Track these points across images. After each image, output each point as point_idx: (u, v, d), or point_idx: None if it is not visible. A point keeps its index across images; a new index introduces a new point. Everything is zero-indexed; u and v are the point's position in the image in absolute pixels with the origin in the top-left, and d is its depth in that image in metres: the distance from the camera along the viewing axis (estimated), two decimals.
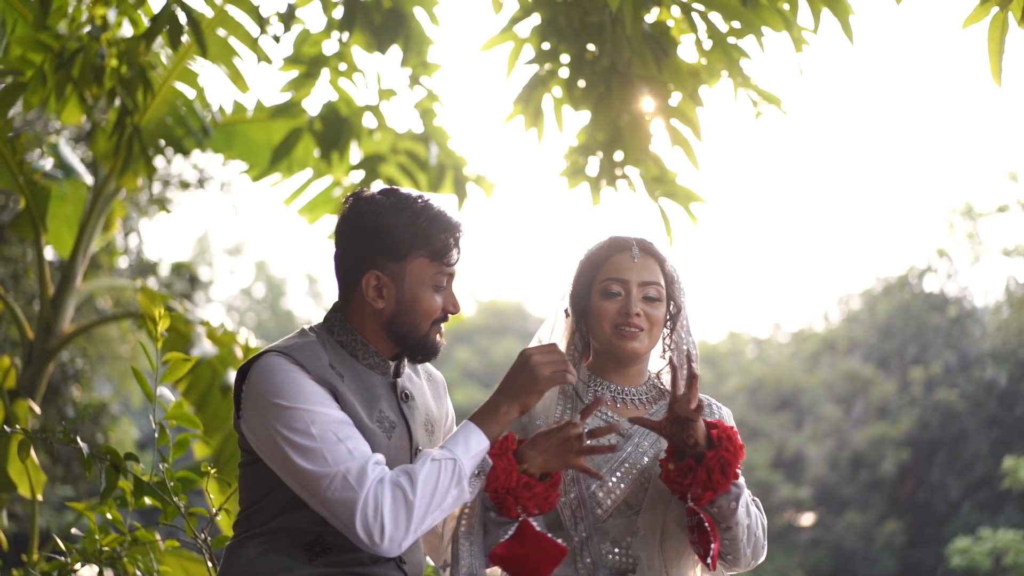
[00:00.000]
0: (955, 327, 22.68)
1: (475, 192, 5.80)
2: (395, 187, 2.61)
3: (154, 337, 3.30)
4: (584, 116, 4.87)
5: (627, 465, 2.78)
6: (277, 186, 6.43)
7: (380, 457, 2.49)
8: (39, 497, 4.73)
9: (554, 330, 3.01)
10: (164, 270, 11.67)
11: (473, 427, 2.55)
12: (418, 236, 2.55)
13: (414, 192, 2.58)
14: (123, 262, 11.73)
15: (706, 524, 2.62)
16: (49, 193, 5.53)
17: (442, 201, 2.59)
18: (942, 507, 21.26)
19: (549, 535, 2.61)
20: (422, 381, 2.78)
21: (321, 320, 2.67)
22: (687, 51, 4.57)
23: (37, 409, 5.11)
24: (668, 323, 2.95)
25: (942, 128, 45.71)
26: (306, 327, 2.63)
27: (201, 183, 11.08)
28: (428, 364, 2.82)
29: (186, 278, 10.69)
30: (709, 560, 2.62)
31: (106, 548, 3.51)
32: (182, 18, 4.54)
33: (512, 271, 52.46)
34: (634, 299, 2.85)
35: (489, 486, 2.59)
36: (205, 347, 5.48)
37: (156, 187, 11.03)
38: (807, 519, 22.78)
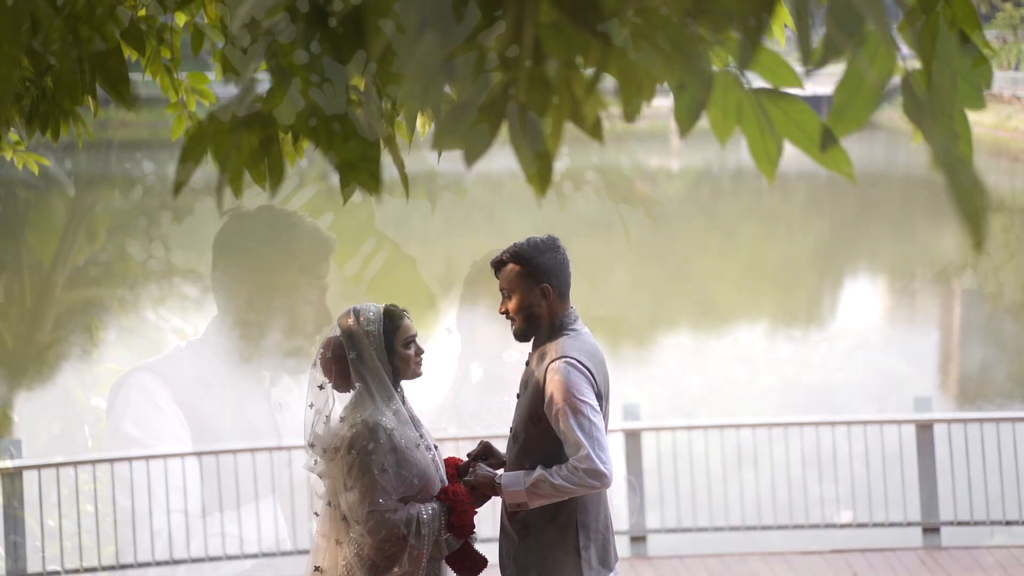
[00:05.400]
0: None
1: (449, 198, 5.85)
2: (270, 204, 2.68)
3: None
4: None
5: None
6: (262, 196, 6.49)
7: None
8: None
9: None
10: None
11: None
12: (293, 251, 2.61)
13: (288, 208, 2.65)
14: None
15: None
16: (31, 205, 5.62)
17: (315, 219, 2.66)
18: None
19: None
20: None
21: (202, 334, 2.74)
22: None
23: (16, 420, 5.22)
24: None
25: None
26: (182, 343, 2.71)
27: None
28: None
29: None
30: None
31: None
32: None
33: None
34: None
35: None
36: None
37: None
38: (844, 517, 22.57)
